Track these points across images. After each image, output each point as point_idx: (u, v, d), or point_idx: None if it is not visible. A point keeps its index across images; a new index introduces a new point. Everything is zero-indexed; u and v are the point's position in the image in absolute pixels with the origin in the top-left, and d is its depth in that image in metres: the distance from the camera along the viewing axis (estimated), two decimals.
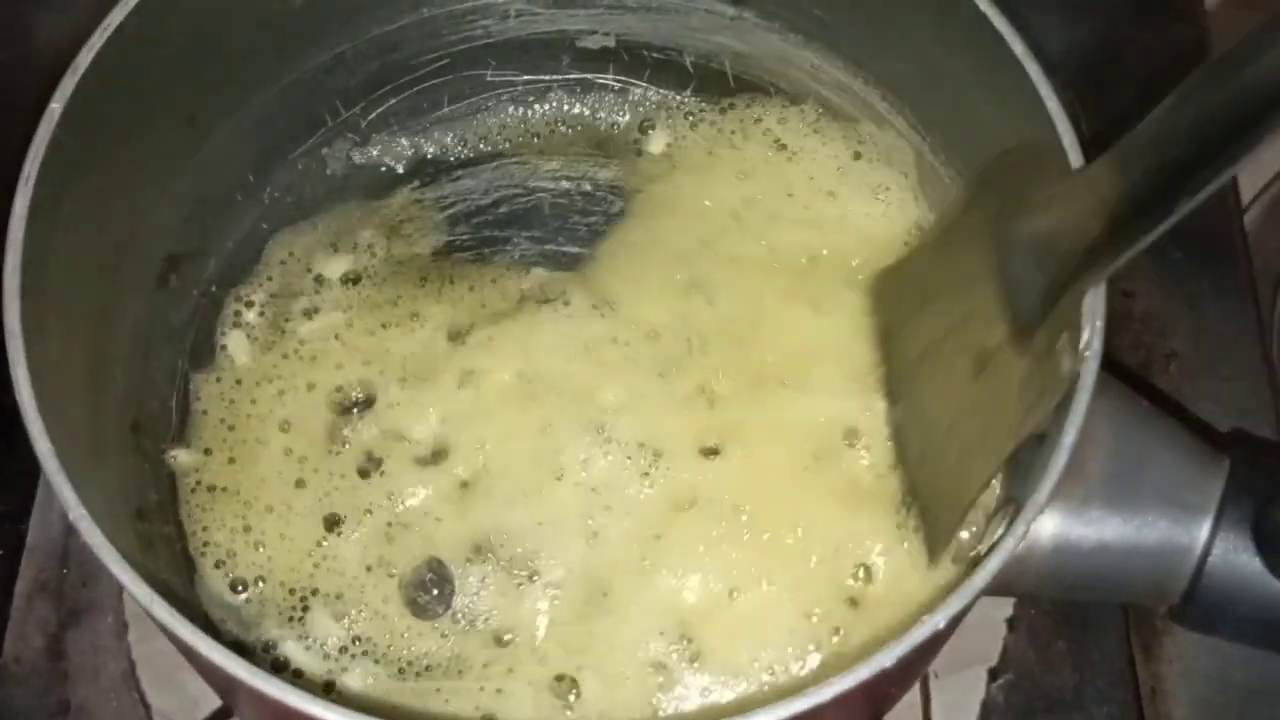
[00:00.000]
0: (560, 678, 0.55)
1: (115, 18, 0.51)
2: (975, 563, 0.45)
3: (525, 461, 0.58)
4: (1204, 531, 0.48)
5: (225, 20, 0.56)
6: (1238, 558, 0.47)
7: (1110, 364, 0.48)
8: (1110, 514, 0.48)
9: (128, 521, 0.55)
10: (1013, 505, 0.48)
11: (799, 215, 0.63)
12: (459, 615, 0.56)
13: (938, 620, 0.43)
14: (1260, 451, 0.64)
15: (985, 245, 0.51)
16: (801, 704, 0.42)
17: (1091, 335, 0.47)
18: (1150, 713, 0.63)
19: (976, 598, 0.44)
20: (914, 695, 0.65)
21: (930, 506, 0.54)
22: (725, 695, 0.54)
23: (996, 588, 0.47)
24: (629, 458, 0.58)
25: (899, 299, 0.59)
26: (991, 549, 0.45)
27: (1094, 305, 0.48)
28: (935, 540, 0.54)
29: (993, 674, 0.65)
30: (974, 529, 0.52)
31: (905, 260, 0.60)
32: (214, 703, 0.62)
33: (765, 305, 0.61)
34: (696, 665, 0.55)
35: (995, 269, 0.50)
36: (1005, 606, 0.66)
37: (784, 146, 0.65)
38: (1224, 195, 0.74)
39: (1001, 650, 0.66)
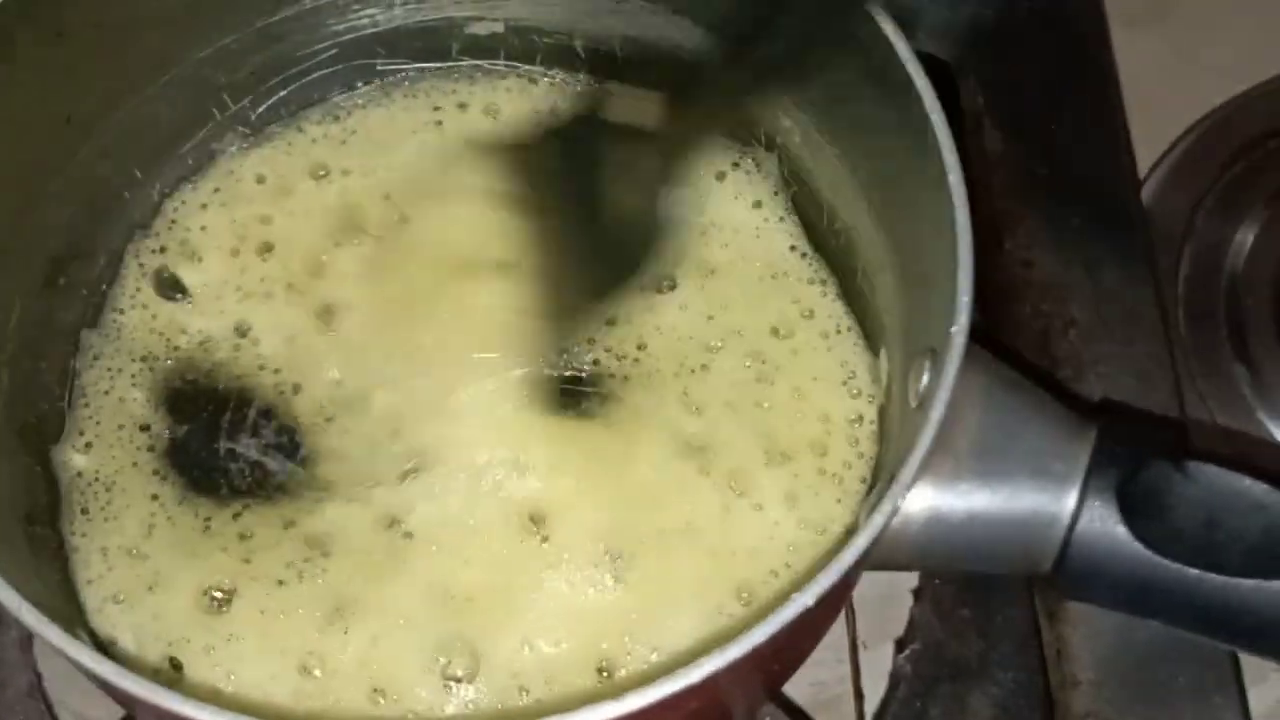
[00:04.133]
0: None
1: None
2: (846, 538, 0.46)
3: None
4: (1071, 500, 0.48)
5: (97, 16, 0.55)
6: (1104, 525, 0.48)
7: (980, 335, 0.48)
8: (980, 486, 0.49)
9: (17, 525, 0.55)
10: (887, 480, 0.48)
11: None
12: None
13: (806, 599, 0.44)
14: (1129, 419, 0.65)
15: None
16: (674, 684, 0.42)
17: (957, 310, 0.47)
18: (1055, 676, 0.64)
19: (846, 574, 0.45)
20: (844, 667, 0.66)
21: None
22: None
23: (873, 563, 0.48)
24: None
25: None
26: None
27: (961, 281, 0.48)
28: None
29: (899, 644, 0.66)
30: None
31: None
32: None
33: None
34: None
35: None
36: (912, 578, 0.67)
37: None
38: (1121, 163, 0.75)
39: (908, 620, 0.66)
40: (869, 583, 0.65)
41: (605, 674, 0.55)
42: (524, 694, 0.55)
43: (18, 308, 0.58)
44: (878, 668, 0.66)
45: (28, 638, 0.63)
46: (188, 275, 0.64)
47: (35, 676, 0.63)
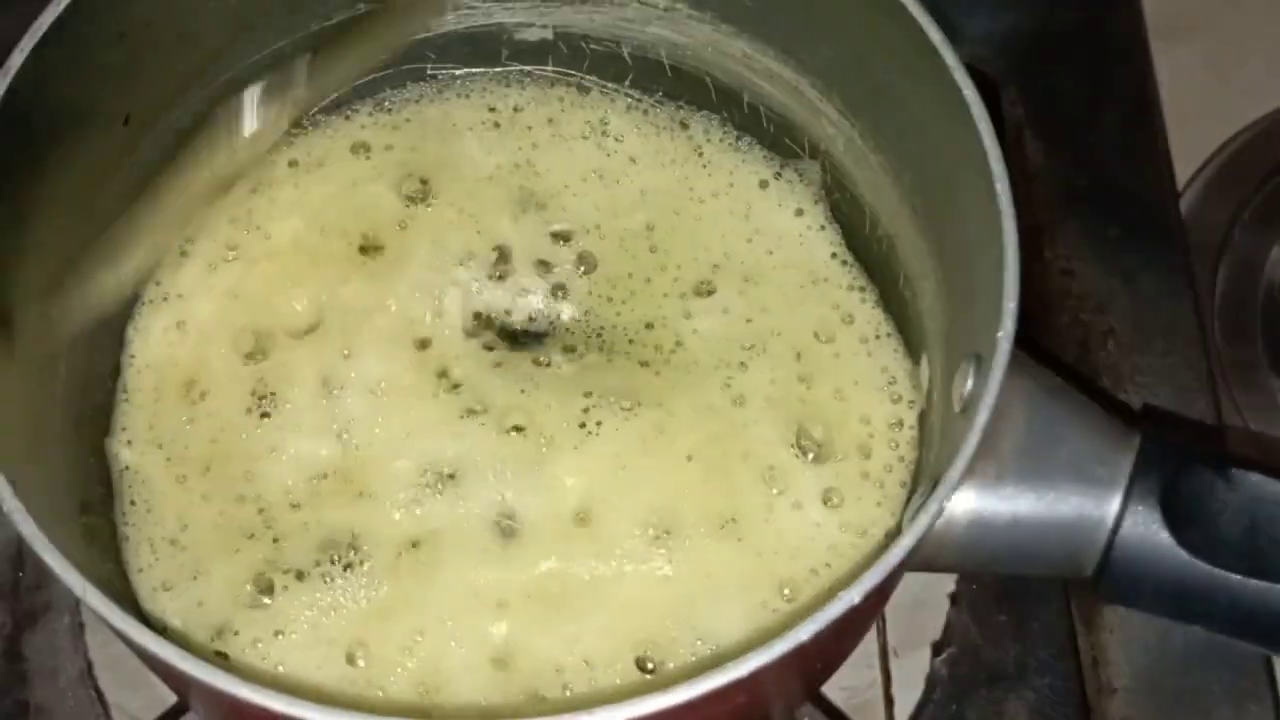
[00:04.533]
0: None
1: (46, 19, 0.52)
2: (887, 542, 0.46)
3: None
4: (1114, 505, 0.49)
5: (158, 19, 0.57)
6: (1147, 530, 0.48)
7: (1023, 342, 0.49)
8: (1023, 490, 0.49)
9: (73, 515, 0.56)
10: (930, 483, 0.49)
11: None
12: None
13: (852, 596, 0.44)
14: (1170, 426, 0.65)
15: None
16: (721, 678, 0.43)
17: (1003, 316, 0.48)
18: (1092, 682, 0.64)
19: (891, 574, 0.45)
20: (875, 673, 0.67)
21: None
22: None
23: (916, 564, 0.49)
24: None
25: None
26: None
27: (1007, 287, 0.49)
28: None
29: (936, 648, 0.66)
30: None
31: None
32: (173, 698, 0.63)
33: None
34: None
35: None
36: (949, 583, 0.68)
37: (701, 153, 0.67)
38: (1160, 175, 0.75)
39: (945, 625, 0.67)
40: (900, 589, 0.65)
41: (651, 666, 0.56)
42: (567, 689, 0.55)
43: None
44: (908, 674, 0.66)
45: (79, 625, 0.65)
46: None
47: (86, 664, 0.64)
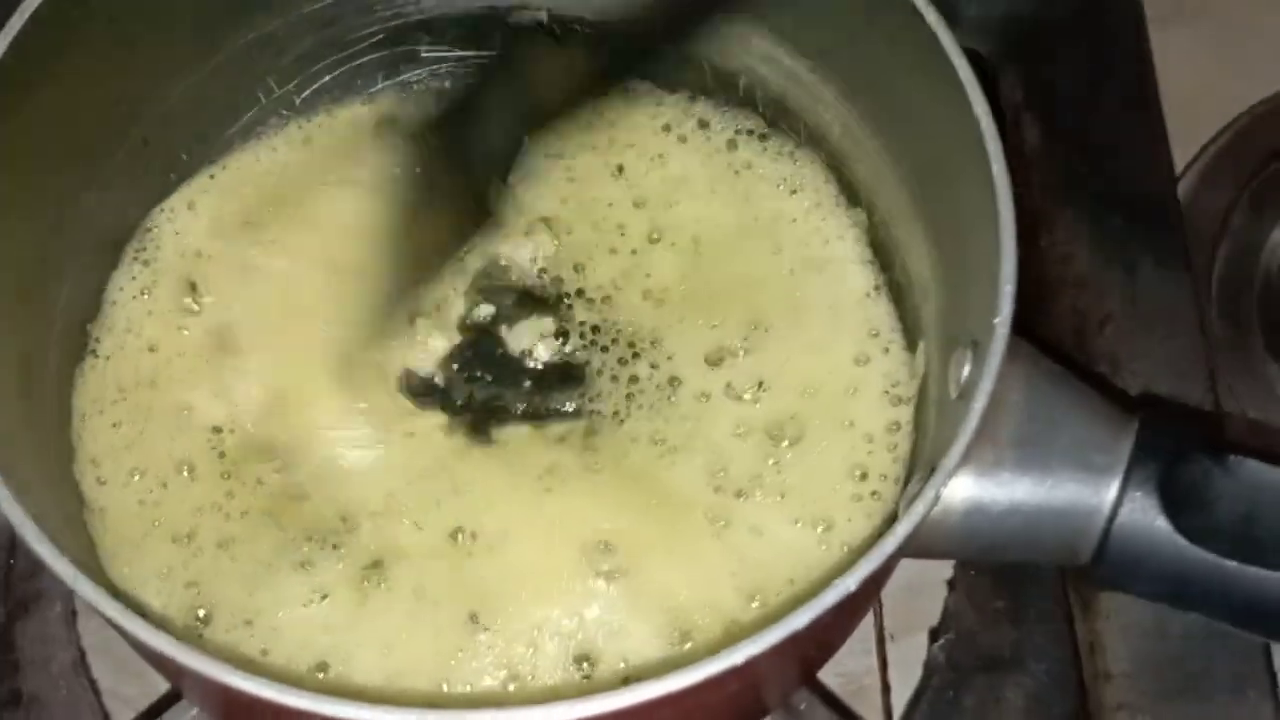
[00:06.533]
0: None
1: (31, 3, 0.51)
2: (888, 527, 0.46)
3: None
4: (1112, 492, 0.48)
5: (148, 1, 0.56)
6: (1145, 517, 0.48)
7: (1020, 328, 0.49)
8: (1021, 476, 0.49)
9: (65, 502, 0.56)
10: (927, 470, 0.49)
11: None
12: None
13: (848, 583, 0.44)
14: (1168, 413, 0.65)
15: None
16: (716, 665, 0.43)
17: (1000, 300, 0.48)
18: (1089, 667, 0.64)
19: (887, 560, 0.45)
20: (871, 659, 0.67)
21: None
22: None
23: (913, 551, 0.48)
24: None
25: None
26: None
27: (1005, 271, 0.48)
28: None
29: (933, 634, 0.66)
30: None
31: None
32: (165, 685, 0.63)
33: None
34: None
35: None
36: (946, 569, 0.67)
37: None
38: (1158, 160, 0.75)
39: (942, 610, 0.67)
40: (896, 575, 0.65)
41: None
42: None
43: (66, 291, 0.59)
44: (905, 659, 0.66)
45: (72, 613, 0.64)
46: None
47: (79, 652, 0.64)
